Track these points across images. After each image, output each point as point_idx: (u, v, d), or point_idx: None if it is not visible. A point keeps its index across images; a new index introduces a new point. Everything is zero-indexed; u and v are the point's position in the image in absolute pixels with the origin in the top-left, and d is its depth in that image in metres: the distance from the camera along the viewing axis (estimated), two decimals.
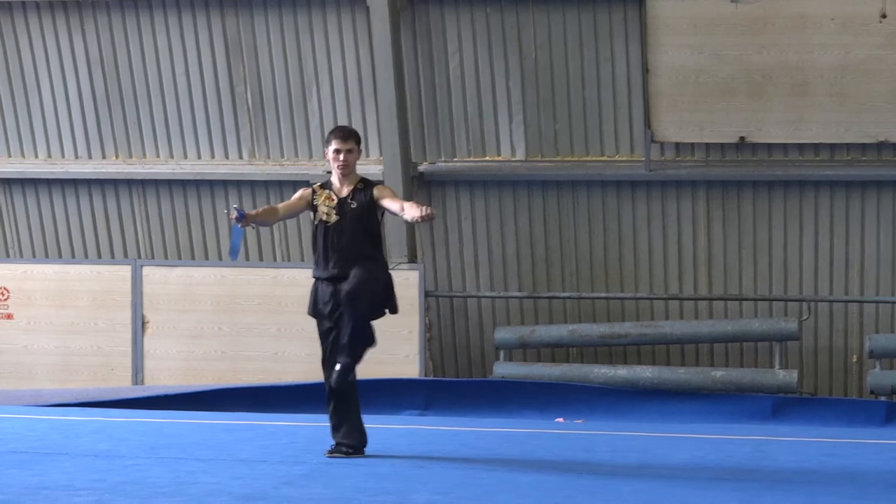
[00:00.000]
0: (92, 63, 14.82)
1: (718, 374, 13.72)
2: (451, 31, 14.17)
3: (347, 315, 9.22)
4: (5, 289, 14.24)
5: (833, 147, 13.91)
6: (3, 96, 15.09)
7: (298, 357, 13.51)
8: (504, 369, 13.97)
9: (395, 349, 13.43)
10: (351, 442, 9.43)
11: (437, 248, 14.73)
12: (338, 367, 9.22)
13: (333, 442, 9.47)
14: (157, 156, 15.00)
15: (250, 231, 14.80)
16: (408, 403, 13.11)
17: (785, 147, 13.98)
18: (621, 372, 13.77)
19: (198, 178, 14.91)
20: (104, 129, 15.01)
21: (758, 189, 14.22)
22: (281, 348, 13.85)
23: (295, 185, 14.17)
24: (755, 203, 14.24)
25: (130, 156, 15.07)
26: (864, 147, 13.82)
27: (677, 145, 14.12)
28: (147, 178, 15.00)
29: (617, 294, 14.44)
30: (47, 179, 15.21)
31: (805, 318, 13.97)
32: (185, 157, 14.95)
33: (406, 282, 13.30)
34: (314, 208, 9.49)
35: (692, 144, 14.11)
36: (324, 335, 9.45)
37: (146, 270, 14.13)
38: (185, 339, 14.00)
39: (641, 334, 14.02)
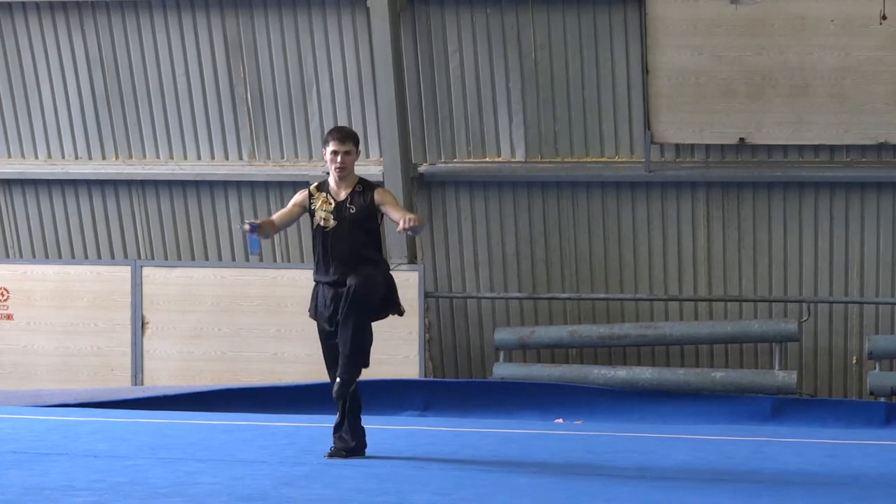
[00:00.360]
0: (92, 63, 14.82)
1: (718, 375, 13.72)
2: (451, 32, 14.17)
3: (348, 325, 9.15)
4: (5, 289, 14.24)
5: (833, 148, 13.91)
6: (3, 97, 15.08)
7: (298, 357, 13.51)
8: (504, 370, 13.97)
9: (395, 350, 13.45)
10: (351, 444, 9.41)
11: (436, 249, 14.73)
12: (338, 380, 9.21)
13: (333, 443, 9.47)
14: (157, 156, 15.00)
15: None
16: (408, 404, 13.10)
17: (785, 148, 13.98)
18: (621, 373, 13.77)
19: (197, 178, 14.90)
20: (104, 130, 15.01)
21: (757, 190, 14.22)
22: (280, 349, 13.85)
23: (295, 185, 14.17)
24: (755, 204, 14.24)
25: (130, 156, 15.06)
26: (863, 148, 13.81)
27: (677, 146, 14.12)
28: (147, 178, 15.00)
29: (616, 295, 14.44)
30: (47, 180, 15.21)
31: (805, 319, 13.97)
32: (185, 157, 14.95)
33: (406, 283, 13.27)
34: (312, 213, 9.35)
35: (692, 145, 14.11)
36: (324, 337, 9.43)
37: (146, 271, 14.13)
38: (184, 339, 14.00)
39: (641, 335, 14.02)
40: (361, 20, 14.18)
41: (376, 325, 9.42)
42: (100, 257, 15.23)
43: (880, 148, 13.77)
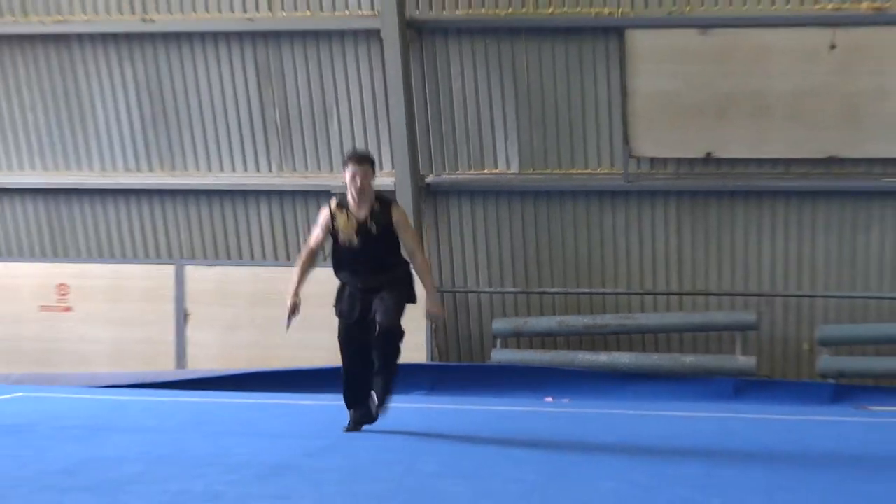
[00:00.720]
0: (140, 88, 14.84)
1: (687, 359, 13.72)
2: (454, 60, 14.17)
3: (384, 356, 9.07)
4: (65, 285, 14.25)
5: (789, 162, 13.91)
6: (64, 118, 15.11)
7: (322, 346, 13.44)
8: (500, 355, 13.97)
9: (406, 338, 13.37)
10: (363, 418, 9.36)
11: (441, 250, 14.73)
12: (376, 402, 9.14)
13: (350, 417, 9.43)
14: (198, 169, 15.01)
15: (280, 230, 14.92)
16: (416, 385, 13.07)
17: (747, 161, 13.97)
18: (602, 358, 13.76)
19: (233, 188, 14.91)
20: (151, 146, 15.03)
21: (722, 198, 14.21)
22: (306, 337, 13.81)
23: (318, 195, 14.20)
24: (720, 211, 14.23)
25: (174, 169, 15.08)
26: (815, 162, 13.81)
27: (652, 160, 14.11)
28: (188, 188, 15.01)
29: (599, 290, 14.44)
30: (101, 189, 15.23)
31: (763, 310, 13.97)
32: (222, 170, 14.96)
33: (415, 280, 13.25)
34: (335, 234, 9.12)
35: (665, 159, 14.11)
36: (344, 327, 9.34)
37: (188, 269, 14.11)
38: (222, 329, 13.99)
39: (620, 325, 14.02)
40: (375, 50, 14.19)
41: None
42: (147, 257, 15.25)
43: (830, 161, 13.76)
